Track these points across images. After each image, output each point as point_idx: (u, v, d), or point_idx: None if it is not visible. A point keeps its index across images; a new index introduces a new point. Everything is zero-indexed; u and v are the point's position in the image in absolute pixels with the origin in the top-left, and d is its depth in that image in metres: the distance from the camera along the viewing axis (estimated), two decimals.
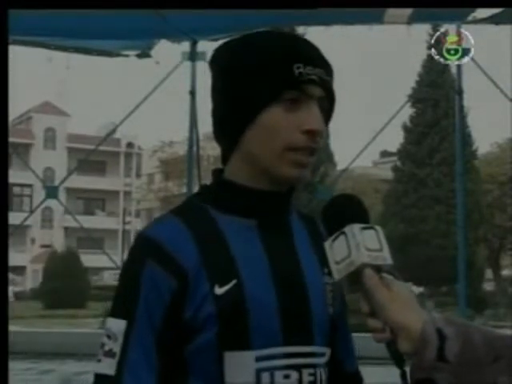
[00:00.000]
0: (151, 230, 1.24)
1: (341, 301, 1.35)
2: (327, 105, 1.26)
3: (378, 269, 1.11)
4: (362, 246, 1.10)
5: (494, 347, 1.04)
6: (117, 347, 1.17)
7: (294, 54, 1.23)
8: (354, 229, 1.12)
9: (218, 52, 1.31)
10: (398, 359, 1.10)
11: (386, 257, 1.12)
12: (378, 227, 1.14)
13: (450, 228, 22.13)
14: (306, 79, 1.21)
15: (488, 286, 30.90)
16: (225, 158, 1.30)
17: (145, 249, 1.21)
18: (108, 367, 1.18)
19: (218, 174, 1.30)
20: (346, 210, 1.17)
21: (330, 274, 1.26)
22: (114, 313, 1.21)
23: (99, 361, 1.19)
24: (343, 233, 1.13)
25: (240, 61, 1.24)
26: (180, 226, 1.22)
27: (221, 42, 1.37)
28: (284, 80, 1.20)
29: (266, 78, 1.21)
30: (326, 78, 1.24)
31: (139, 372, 1.16)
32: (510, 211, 30.33)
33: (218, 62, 1.30)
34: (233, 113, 1.24)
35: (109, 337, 1.19)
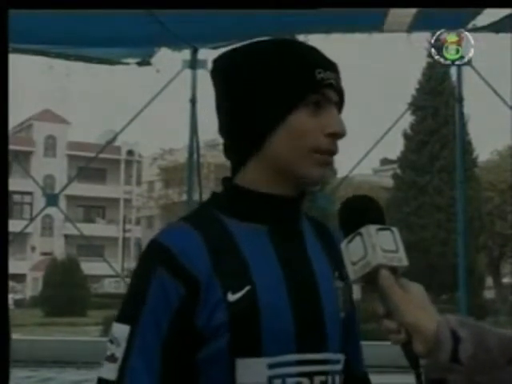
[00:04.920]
0: (163, 237, 1.23)
1: (350, 304, 1.34)
2: (340, 110, 1.30)
3: (393, 270, 1.11)
4: (378, 246, 1.11)
5: (508, 349, 1.04)
6: (119, 352, 1.17)
7: (314, 59, 1.26)
8: (370, 230, 1.12)
9: (230, 59, 1.31)
10: (412, 360, 1.10)
11: (401, 258, 1.12)
12: (394, 228, 1.14)
13: (450, 236, 22.09)
14: (326, 83, 1.24)
15: (488, 294, 30.83)
16: (236, 167, 1.30)
17: (156, 256, 1.20)
18: (109, 372, 1.17)
19: (228, 181, 1.30)
20: (362, 212, 1.17)
21: (340, 277, 1.29)
22: (119, 318, 1.21)
23: (102, 365, 1.19)
24: (360, 233, 1.13)
25: (263, 66, 1.25)
26: (192, 233, 1.22)
27: (222, 49, 1.37)
28: (308, 84, 1.23)
29: (291, 81, 1.23)
30: (340, 83, 1.29)
31: (140, 378, 1.16)
32: (510, 219, 30.31)
33: (234, 69, 1.29)
34: (258, 116, 1.24)
35: (112, 341, 1.19)
